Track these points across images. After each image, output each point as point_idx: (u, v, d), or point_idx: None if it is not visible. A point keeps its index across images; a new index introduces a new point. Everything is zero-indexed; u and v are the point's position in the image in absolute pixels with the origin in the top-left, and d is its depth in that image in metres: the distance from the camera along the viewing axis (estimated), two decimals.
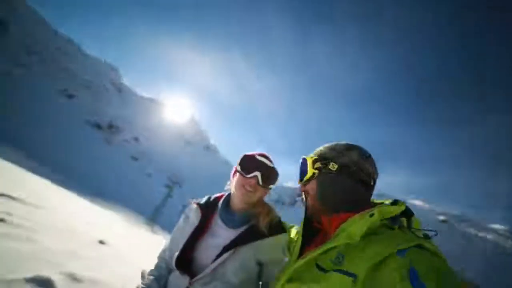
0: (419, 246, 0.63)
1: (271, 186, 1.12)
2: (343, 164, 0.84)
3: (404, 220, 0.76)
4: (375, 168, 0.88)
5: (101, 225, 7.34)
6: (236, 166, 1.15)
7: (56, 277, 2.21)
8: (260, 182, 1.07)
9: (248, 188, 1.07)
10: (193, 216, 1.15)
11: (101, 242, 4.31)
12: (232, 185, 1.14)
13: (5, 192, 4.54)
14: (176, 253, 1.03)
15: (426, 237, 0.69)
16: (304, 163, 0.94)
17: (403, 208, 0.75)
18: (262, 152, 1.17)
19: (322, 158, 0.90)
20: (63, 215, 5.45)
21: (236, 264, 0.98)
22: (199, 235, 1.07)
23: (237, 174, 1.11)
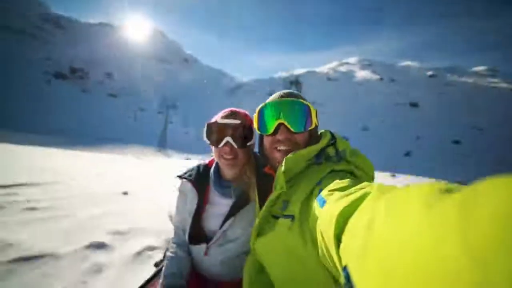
0: (332, 171, 0.74)
1: (250, 142, 1.06)
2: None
3: (331, 149, 0.82)
4: None
5: (117, 174, 8.13)
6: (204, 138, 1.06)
7: (105, 238, 2.79)
8: (235, 146, 1.02)
9: (227, 157, 1.03)
10: (191, 195, 1.15)
11: (125, 193, 5.00)
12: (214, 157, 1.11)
13: (22, 181, 4.87)
14: (187, 232, 1.10)
15: (341, 158, 0.79)
16: (308, 111, 0.87)
17: (319, 147, 0.81)
18: (227, 110, 1.10)
19: (316, 110, 0.88)
20: (80, 180, 6.01)
21: (241, 225, 1.06)
22: (202, 210, 1.11)
23: (211, 145, 1.07)
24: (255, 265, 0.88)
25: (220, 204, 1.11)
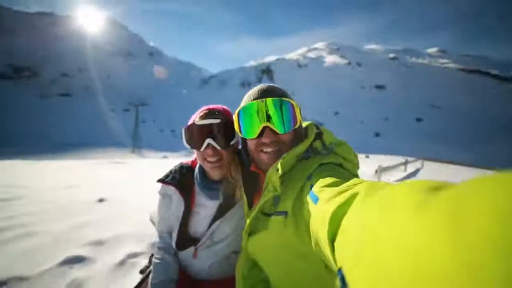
0: (321, 165, 0.74)
1: (234, 140, 1.00)
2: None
3: (318, 143, 0.83)
4: None
5: (91, 181, 7.58)
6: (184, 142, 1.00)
7: (83, 250, 2.61)
8: (218, 147, 0.96)
9: (211, 159, 0.99)
10: (175, 200, 1.11)
11: (100, 200, 4.70)
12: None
13: None
14: (174, 239, 1.06)
15: (329, 151, 0.80)
16: (292, 110, 0.83)
17: (308, 144, 0.81)
18: (204, 109, 1.04)
19: (299, 106, 0.86)
20: (49, 192, 5.50)
21: (229, 225, 1.04)
22: (189, 214, 1.08)
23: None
24: (247, 262, 0.88)
25: (207, 206, 1.08)
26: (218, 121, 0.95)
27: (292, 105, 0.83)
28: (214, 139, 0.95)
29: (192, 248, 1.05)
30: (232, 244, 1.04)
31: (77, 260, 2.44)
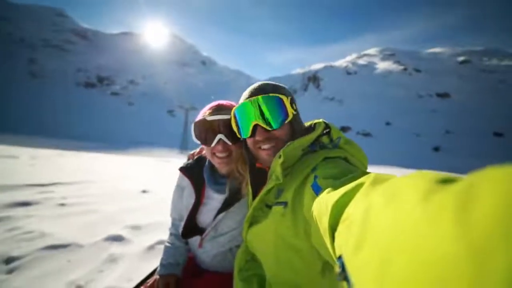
0: (326, 158, 0.74)
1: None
2: (295, 104, 0.86)
3: (326, 138, 0.83)
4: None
5: (140, 175, 8.68)
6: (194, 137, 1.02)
7: (123, 231, 3.07)
8: (229, 142, 0.96)
9: (221, 155, 0.99)
10: (187, 191, 1.16)
11: (144, 191, 5.36)
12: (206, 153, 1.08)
13: (54, 180, 5.45)
14: (181, 227, 1.10)
15: (335, 145, 0.80)
16: (281, 103, 0.82)
17: (313, 136, 0.80)
18: (213, 105, 1.04)
19: (290, 96, 0.86)
20: (108, 180, 6.54)
21: (234, 219, 1.06)
22: (198, 205, 1.12)
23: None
24: (245, 254, 0.90)
25: (214, 199, 1.11)
26: (228, 116, 0.95)
27: (279, 98, 0.81)
28: (224, 134, 0.95)
29: (198, 238, 1.09)
30: (236, 237, 1.06)
31: (117, 238, 2.87)
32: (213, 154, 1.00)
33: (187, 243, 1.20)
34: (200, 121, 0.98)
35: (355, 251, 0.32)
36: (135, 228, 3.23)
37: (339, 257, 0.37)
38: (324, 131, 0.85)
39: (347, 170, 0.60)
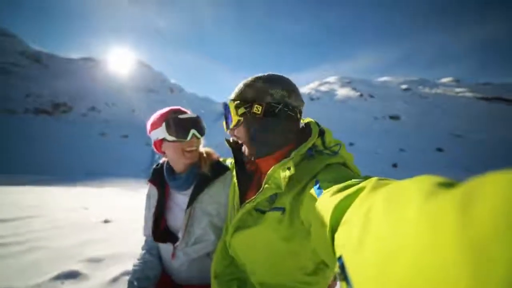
0: (327, 165, 0.74)
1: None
2: (267, 105, 0.81)
3: (318, 141, 0.83)
4: (301, 99, 0.87)
5: (102, 205, 7.73)
6: (161, 136, 1.05)
7: (79, 266, 2.58)
8: (200, 136, 1.08)
9: (191, 149, 1.06)
10: (153, 193, 1.18)
11: (106, 221, 4.73)
12: (168, 154, 1.10)
13: None
14: (150, 229, 1.09)
15: (334, 152, 0.79)
16: (227, 109, 0.87)
17: (311, 143, 0.80)
18: (173, 108, 1.12)
19: (244, 101, 0.83)
20: (62, 213, 5.65)
21: (200, 217, 1.05)
22: (165, 208, 1.13)
23: (170, 142, 1.05)
24: (224, 259, 0.88)
25: (180, 201, 1.11)
26: (195, 115, 1.09)
27: (227, 105, 0.87)
28: (197, 129, 1.06)
29: (170, 248, 1.06)
30: (211, 244, 1.03)
31: (71, 275, 2.40)
32: (183, 150, 1.05)
33: (159, 257, 1.14)
34: (174, 118, 1.04)
35: (356, 252, 0.32)
36: (95, 261, 2.76)
37: (339, 258, 0.37)
38: (318, 134, 0.84)
39: (348, 175, 0.61)
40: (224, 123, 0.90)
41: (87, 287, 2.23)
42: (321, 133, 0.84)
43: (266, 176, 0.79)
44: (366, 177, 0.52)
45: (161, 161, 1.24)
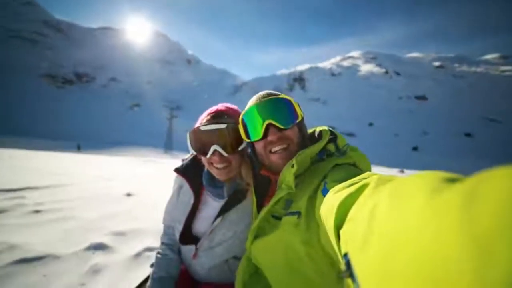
0: (336, 165, 0.76)
1: (242, 145, 0.95)
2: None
3: (331, 146, 0.84)
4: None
5: (123, 176, 8.25)
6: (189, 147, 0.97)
7: (106, 239, 2.83)
8: (225, 154, 0.91)
9: (218, 166, 0.94)
10: (186, 194, 1.11)
11: (128, 194, 5.07)
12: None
13: (31, 184, 5.02)
14: (179, 232, 1.05)
15: (344, 153, 0.81)
16: (290, 105, 0.85)
17: (322, 145, 0.82)
18: (212, 111, 1.00)
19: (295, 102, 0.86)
20: (87, 183, 6.12)
21: (232, 227, 1.01)
22: (195, 210, 1.08)
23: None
24: (249, 268, 0.87)
25: (212, 206, 1.06)
26: (224, 126, 0.91)
27: (289, 100, 0.84)
28: (220, 145, 0.90)
29: (193, 248, 1.03)
30: (232, 248, 1.01)
31: (100, 247, 2.64)
32: (211, 164, 0.96)
33: (180, 253, 1.13)
34: (194, 130, 0.94)
35: (361, 249, 0.32)
36: (120, 234, 3.00)
37: (345, 255, 0.37)
38: (330, 139, 0.86)
39: (356, 174, 0.61)
40: (267, 122, 0.82)
41: (114, 259, 2.45)
42: (334, 138, 0.86)
43: (279, 180, 0.81)
44: (371, 174, 0.52)
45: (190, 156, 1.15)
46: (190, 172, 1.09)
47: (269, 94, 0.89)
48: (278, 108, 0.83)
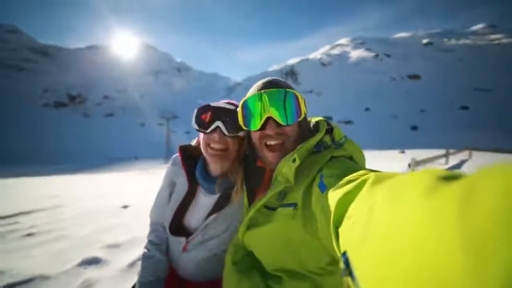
0: (332, 158, 0.74)
1: (242, 132, 0.93)
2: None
3: (328, 138, 0.82)
4: None
5: (120, 191, 8.18)
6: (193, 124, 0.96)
7: (99, 253, 2.77)
8: (226, 132, 0.91)
9: (215, 146, 0.93)
10: (180, 182, 1.08)
11: (125, 207, 5.00)
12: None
13: (24, 209, 4.97)
14: (169, 221, 1.03)
15: (340, 145, 0.78)
16: (295, 101, 0.81)
17: (319, 137, 0.80)
18: (229, 101, 1.02)
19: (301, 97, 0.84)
20: (83, 201, 6.05)
21: (224, 222, 1.01)
22: (188, 202, 1.05)
23: (199, 132, 0.97)
24: (239, 251, 0.88)
25: (204, 202, 1.05)
26: (232, 107, 0.94)
27: (295, 95, 0.81)
28: (223, 123, 0.91)
29: (183, 240, 1.01)
30: (224, 242, 1.01)
31: (93, 261, 2.58)
32: (208, 144, 0.94)
33: (167, 250, 1.10)
34: (204, 105, 0.96)
35: (359, 247, 0.32)
36: (113, 247, 2.95)
37: (344, 253, 0.37)
38: (326, 131, 0.84)
39: (352, 168, 0.61)
40: (270, 112, 0.78)
41: (107, 271, 2.39)
42: (330, 130, 0.85)
43: (275, 173, 0.79)
44: (369, 170, 0.52)
45: (194, 142, 1.13)
46: (189, 161, 1.07)
47: (276, 83, 0.84)
48: (281, 102, 0.79)
